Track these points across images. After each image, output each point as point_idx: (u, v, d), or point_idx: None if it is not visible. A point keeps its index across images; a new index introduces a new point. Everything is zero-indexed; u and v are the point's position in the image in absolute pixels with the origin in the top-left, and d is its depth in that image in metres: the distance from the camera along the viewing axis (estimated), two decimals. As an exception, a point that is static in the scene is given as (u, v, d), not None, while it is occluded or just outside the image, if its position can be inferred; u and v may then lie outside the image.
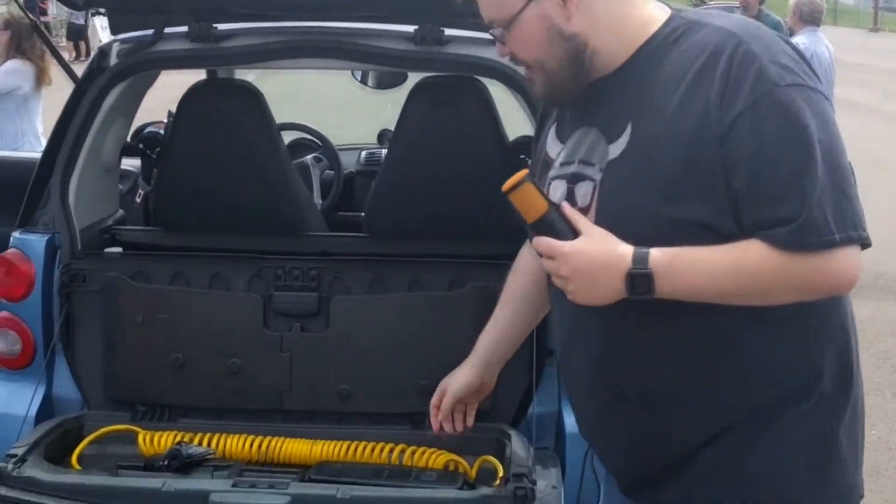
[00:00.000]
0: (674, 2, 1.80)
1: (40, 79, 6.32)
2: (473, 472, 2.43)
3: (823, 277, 1.56)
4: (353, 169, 4.27)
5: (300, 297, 2.76)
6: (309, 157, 4.11)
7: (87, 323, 2.79)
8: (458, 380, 2.07)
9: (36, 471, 2.25)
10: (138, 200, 3.65)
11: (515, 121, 3.29)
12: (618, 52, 1.68)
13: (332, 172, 4.14)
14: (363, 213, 3.10)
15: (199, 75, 3.46)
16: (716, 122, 1.55)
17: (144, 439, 2.55)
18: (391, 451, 2.50)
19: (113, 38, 2.93)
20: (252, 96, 2.96)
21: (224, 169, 2.92)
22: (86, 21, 18.09)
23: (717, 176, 1.56)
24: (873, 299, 6.16)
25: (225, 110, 2.94)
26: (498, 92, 3.01)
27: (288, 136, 3.98)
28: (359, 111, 5.47)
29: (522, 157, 3.02)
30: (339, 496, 2.16)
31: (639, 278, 1.58)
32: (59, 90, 3.76)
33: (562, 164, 1.76)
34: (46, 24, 17.82)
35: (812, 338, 1.66)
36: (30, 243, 2.81)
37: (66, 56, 3.79)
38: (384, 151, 3.69)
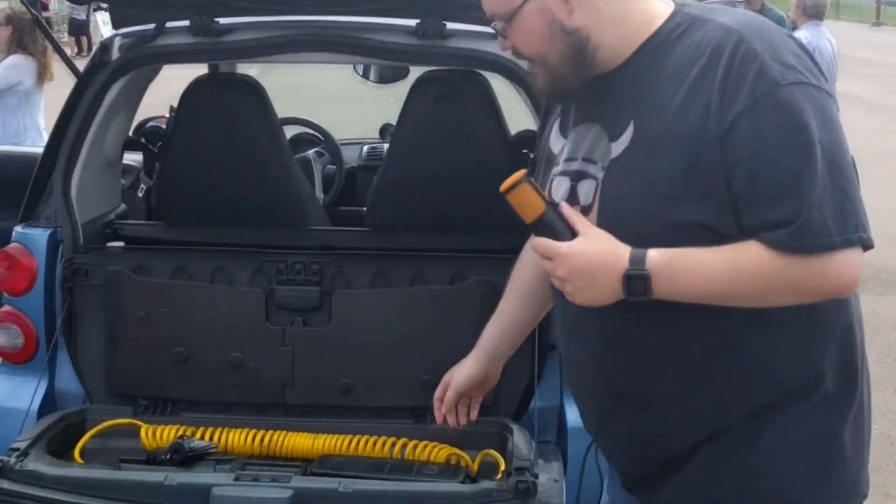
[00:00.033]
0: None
1: (42, 74, 6.32)
2: (475, 466, 2.44)
3: (823, 280, 1.55)
4: (355, 163, 4.27)
5: (302, 291, 2.76)
6: (311, 152, 4.11)
7: (89, 317, 2.79)
8: (462, 373, 2.07)
9: (38, 464, 2.25)
10: (140, 195, 3.66)
11: (517, 115, 3.28)
12: (620, 48, 1.67)
13: (333, 167, 4.14)
14: (365, 208, 3.10)
15: (201, 70, 3.46)
16: (716, 122, 1.54)
17: (147, 433, 2.56)
18: (393, 445, 2.50)
19: (114, 32, 2.93)
20: (254, 91, 2.96)
21: (226, 163, 2.92)
22: (87, 16, 18.08)
23: (717, 176, 1.55)
24: (875, 294, 6.16)
25: (227, 105, 2.94)
26: (500, 86, 3.01)
27: (290, 131, 3.98)
28: (361, 106, 5.46)
29: (525, 151, 3.03)
30: (341, 490, 2.16)
31: (635, 280, 1.58)
32: (61, 85, 3.76)
33: (565, 161, 1.75)
34: (48, 20, 17.83)
35: (813, 338, 1.65)
36: (32, 238, 2.81)
37: (67, 51, 3.79)
38: (386, 146, 3.69)
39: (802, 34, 7.51)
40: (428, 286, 2.75)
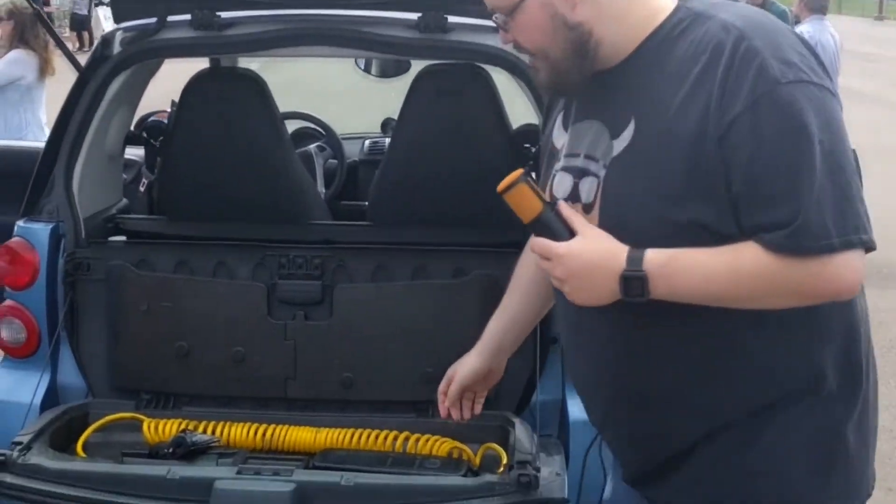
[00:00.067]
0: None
1: (44, 69, 6.31)
2: (477, 460, 2.44)
3: (822, 282, 1.53)
4: (357, 158, 4.27)
5: (304, 285, 2.76)
6: (312, 147, 4.10)
7: (91, 311, 2.80)
8: (466, 367, 2.07)
9: (41, 458, 2.26)
10: (142, 189, 3.66)
11: (519, 109, 3.28)
12: (623, 44, 1.65)
13: (335, 162, 4.14)
14: (367, 202, 3.10)
15: (203, 64, 3.46)
16: (715, 123, 1.53)
17: (149, 427, 2.56)
18: (395, 438, 2.50)
19: (116, 26, 2.93)
20: (255, 85, 2.96)
21: (228, 158, 2.92)
22: (89, 11, 18.10)
23: (717, 177, 1.53)
24: (878, 288, 6.16)
25: (228, 99, 2.94)
26: (502, 80, 3.01)
27: (291, 126, 3.97)
28: (362, 100, 5.46)
29: (527, 146, 3.03)
30: (343, 483, 2.17)
31: (632, 280, 1.57)
32: (63, 80, 3.76)
33: (567, 156, 1.74)
34: (49, 15, 17.81)
35: (814, 338, 1.63)
36: (34, 232, 2.81)
37: (69, 46, 3.79)
38: (388, 140, 3.69)
39: (805, 28, 7.49)
40: (429, 280, 2.75)
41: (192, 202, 3.00)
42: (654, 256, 1.56)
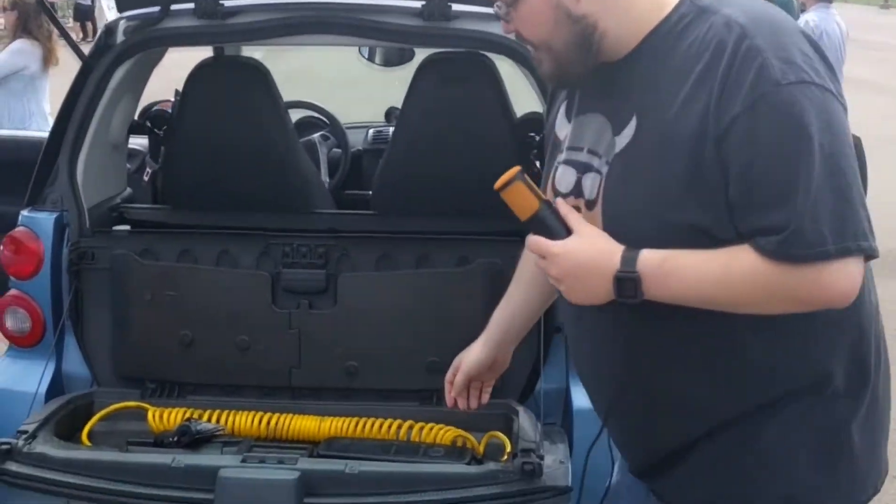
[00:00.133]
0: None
1: (47, 59, 6.31)
2: (481, 448, 2.44)
3: (815, 290, 1.50)
4: (361, 147, 4.27)
5: (308, 274, 2.77)
6: (316, 136, 4.10)
7: (95, 300, 2.80)
8: (471, 357, 2.06)
9: (46, 447, 2.26)
10: (146, 179, 3.66)
11: (523, 97, 3.27)
12: (627, 37, 1.62)
13: (339, 151, 4.14)
14: (371, 192, 3.10)
15: (206, 53, 3.45)
16: (714, 124, 1.50)
17: (154, 416, 2.56)
18: (399, 427, 2.50)
19: (119, 15, 2.92)
20: (259, 74, 2.95)
21: (231, 147, 2.92)
22: (93, 2, 18.06)
23: (716, 179, 1.51)
24: (883, 277, 6.14)
25: (232, 88, 2.94)
26: (506, 68, 3.00)
27: (295, 115, 3.97)
28: (366, 89, 5.45)
29: (531, 134, 3.02)
30: (347, 471, 2.17)
31: (625, 281, 1.55)
32: (67, 71, 3.76)
33: (569, 149, 1.73)
34: (53, 5, 17.78)
35: (816, 338, 1.61)
36: (38, 221, 2.82)
37: (73, 37, 3.78)
38: (392, 129, 3.68)
39: (811, 17, 7.47)
40: (433, 269, 2.75)
41: (196, 191, 3.00)
42: (648, 257, 1.55)
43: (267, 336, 2.74)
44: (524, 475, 2.12)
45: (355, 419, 2.53)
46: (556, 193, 1.73)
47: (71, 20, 19.89)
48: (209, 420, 2.53)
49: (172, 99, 3.56)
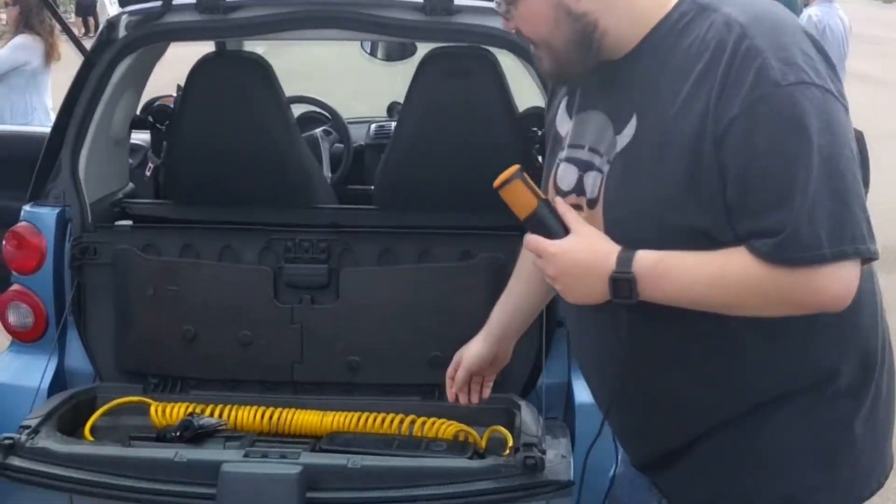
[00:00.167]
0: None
1: (49, 54, 6.31)
2: (483, 443, 2.44)
3: (810, 293, 1.49)
4: (363, 142, 4.26)
5: (310, 269, 2.77)
6: (318, 131, 4.10)
7: (98, 295, 2.80)
8: (472, 352, 2.06)
9: (49, 442, 2.26)
10: (148, 174, 3.66)
11: (526, 92, 3.27)
12: (628, 36, 1.61)
13: (341, 146, 4.14)
14: (373, 186, 3.10)
15: (209, 47, 3.45)
16: (712, 125, 1.49)
17: (156, 411, 2.57)
18: (401, 421, 2.51)
19: (121, 10, 2.92)
20: (261, 69, 2.95)
21: (233, 142, 2.92)
22: (95, -3, 18.05)
23: (714, 181, 1.50)
24: (883, 272, 6.14)
25: (234, 83, 2.94)
26: (508, 63, 3.00)
27: (297, 110, 3.97)
28: (368, 84, 5.45)
29: (534, 129, 3.02)
30: (349, 466, 2.17)
31: (621, 282, 1.55)
32: (69, 66, 3.76)
33: (570, 146, 1.72)
34: (55, 0, 17.77)
35: (816, 338, 1.61)
36: (40, 216, 2.82)
37: (74, 32, 3.79)
38: (394, 124, 3.68)
39: (814, 11, 7.46)
40: (436, 263, 2.75)
41: (198, 186, 3.00)
42: (643, 258, 1.54)
43: (269, 331, 2.75)
44: (526, 469, 2.12)
45: (357, 414, 2.53)
46: (558, 191, 1.72)
47: (73, 15, 19.87)
48: (211, 415, 2.54)
49: (174, 94, 3.56)
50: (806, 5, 7.75)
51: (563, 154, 1.74)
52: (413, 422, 2.50)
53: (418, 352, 2.67)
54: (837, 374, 1.63)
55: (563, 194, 1.71)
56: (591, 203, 1.65)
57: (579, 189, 1.68)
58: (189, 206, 3.00)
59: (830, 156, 1.47)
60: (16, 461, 2.19)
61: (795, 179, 1.46)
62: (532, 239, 1.64)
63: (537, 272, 1.98)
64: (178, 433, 2.43)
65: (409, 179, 2.94)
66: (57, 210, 2.82)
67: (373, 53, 4.32)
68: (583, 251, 1.59)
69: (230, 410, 2.56)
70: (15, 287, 2.85)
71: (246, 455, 2.24)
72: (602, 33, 1.60)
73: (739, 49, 1.49)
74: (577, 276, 1.60)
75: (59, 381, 2.78)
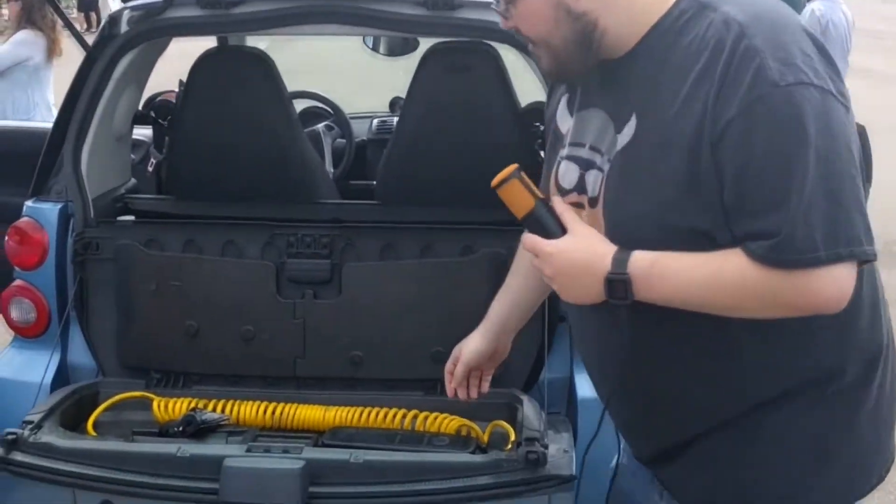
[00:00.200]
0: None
1: (51, 49, 6.31)
2: (485, 437, 2.44)
3: (805, 296, 1.48)
4: (365, 137, 4.27)
5: (313, 264, 2.77)
6: (320, 126, 4.10)
7: (100, 291, 2.81)
8: (470, 347, 2.06)
9: (52, 437, 2.27)
10: (150, 169, 3.66)
11: (528, 86, 3.27)
12: (628, 34, 1.60)
13: (343, 141, 4.14)
14: (375, 182, 3.10)
15: (210, 43, 3.45)
16: (710, 126, 1.48)
17: (159, 406, 2.57)
18: (403, 416, 2.51)
19: (123, 5, 2.92)
20: (263, 64, 2.95)
21: (236, 137, 2.92)
22: (97, -8, 18.03)
23: (712, 181, 1.49)
24: (886, 267, 6.14)
25: (236, 78, 2.94)
26: (510, 57, 2.99)
27: (299, 105, 3.97)
28: (370, 79, 5.45)
29: (536, 124, 3.01)
30: (352, 461, 2.17)
31: (616, 283, 1.55)
32: (71, 61, 3.76)
33: (571, 144, 1.72)
34: (57, -4, 17.73)
35: (815, 338, 1.60)
36: (43, 212, 2.82)
37: (76, 27, 3.78)
38: (396, 119, 3.68)
39: (816, 6, 7.46)
40: (438, 258, 2.75)
41: (201, 182, 3.00)
42: (639, 259, 1.54)
43: (272, 326, 2.75)
44: (528, 464, 2.13)
45: (360, 409, 2.53)
46: (560, 189, 1.72)
47: (75, 10, 19.86)
48: (214, 410, 2.54)
49: (176, 89, 3.56)
50: (809, 0, 7.74)
51: (564, 152, 1.73)
52: (415, 417, 2.50)
53: (421, 347, 2.67)
54: (838, 374, 1.62)
55: (565, 192, 1.70)
56: (593, 202, 1.65)
57: (581, 187, 1.67)
58: (191, 202, 3.00)
59: (828, 157, 1.46)
60: (19, 456, 2.19)
61: (792, 181, 1.45)
62: (529, 238, 1.64)
63: (533, 268, 1.99)
64: (180, 428, 2.43)
65: (411, 174, 2.94)
66: (59, 205, 2.82)
67: (375, 48, 4.32)
68: (579, 251, 1.59)
69: (233, 405, 2.56)
70: (17, 282, 2.85)
71: (248, 450, 2.24)
72: (602, 32, 1.60)
73: (738, 49, 1.48)
74: (573, 276, 1.60)
75: (62, 376, 2.78)
